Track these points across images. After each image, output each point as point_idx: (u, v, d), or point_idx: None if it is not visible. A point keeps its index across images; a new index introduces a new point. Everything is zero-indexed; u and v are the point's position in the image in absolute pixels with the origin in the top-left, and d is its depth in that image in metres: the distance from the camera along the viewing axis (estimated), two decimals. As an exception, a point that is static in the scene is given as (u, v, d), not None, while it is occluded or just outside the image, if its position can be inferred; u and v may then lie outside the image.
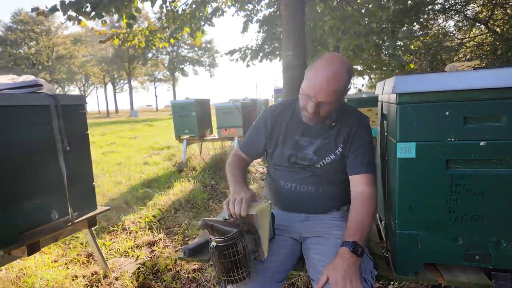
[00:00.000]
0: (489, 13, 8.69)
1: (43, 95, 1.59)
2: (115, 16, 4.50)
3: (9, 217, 1.42)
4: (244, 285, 1.03)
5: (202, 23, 6.08)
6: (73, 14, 3.94)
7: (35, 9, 3.92)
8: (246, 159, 1.42)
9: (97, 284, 1.91)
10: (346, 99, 4.55)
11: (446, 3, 8.97)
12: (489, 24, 8.75)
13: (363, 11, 6.38)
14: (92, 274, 2.00)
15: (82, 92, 46.18)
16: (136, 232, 2.69)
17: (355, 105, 3.44)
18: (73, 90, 46.54)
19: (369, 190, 1.16)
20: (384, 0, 6.39)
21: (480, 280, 1.03)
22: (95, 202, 1.89)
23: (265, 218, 1.08)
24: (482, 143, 0.96)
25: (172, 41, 6.17)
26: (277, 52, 9.00)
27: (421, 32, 9.59)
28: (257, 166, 4.93)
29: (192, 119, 5.24)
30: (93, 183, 1.88)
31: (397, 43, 8.97)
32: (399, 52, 9.17)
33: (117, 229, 2.78)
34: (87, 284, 1.92)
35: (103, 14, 4.09)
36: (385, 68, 9.47)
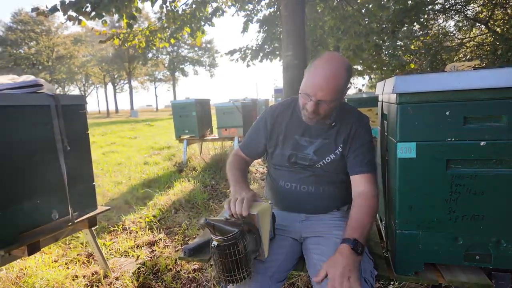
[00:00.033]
0: (489, 13, 8.69)
1: (43, 95, 1.59)
2: (115, 16, 4.50)
3: (10, 217, 1.42)
4: (245, 285, 1.03)
5: (202, 23, 6.08)
6: (73, 14, 3.95)
7: (35, 9, 3.92)
8: (246, 159, 1.42)
9: (97, 284, 1.91)
10: (346, 99, 4.56)
11: (446, 3, 8.97)
12: (489, 24, 8.75)
13: (363, 11, 6.38)
14: (93, 274, 2.00)
15: (82, 92, 46.21)
16: (136, 232, 2.69)
17: (355, 105, 3.44)
18: (73, 90, 46.64)
19: (370, 189, 1.16)
20: (384, 0, 6.39)
21: (481, 280, 1.03)
22: (95, 202, 1.89)
23: (266, 218, 1.09)
24: (482, 143, 0.96)
25: (172, 41, 6.17)
26: (277, 52, 9.01)
27: (421, 32, 9.59)
28: (257, 166, 4.93)
29: (192, 119, 5.24)
30: (93, 183, 1.89)
31: (397, 43, 8.97)
32: (399, 52, 9.17)
33: (117, 229, 2.78)
34: (87, 284, 1.92)
35: (103, 14, 4.09)
36: (385, 68, 9.46)
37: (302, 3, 4.37)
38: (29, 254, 1.49)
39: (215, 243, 0.96)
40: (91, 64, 40.50)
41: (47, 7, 3.96)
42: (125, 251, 2.35)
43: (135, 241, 2.51)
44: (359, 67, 11.09)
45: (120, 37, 5.87)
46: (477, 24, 9.58)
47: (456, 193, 1.00)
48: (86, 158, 1.84)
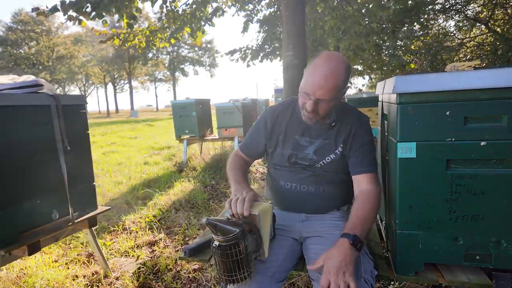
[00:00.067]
0: (490, 13, 8.68)
1: (43, 95, 1.59)
2: (116, 16, 4.50)
3: (10, 217, 1.42)
4: (245, 285, 1.03)
5: (203, 23, 6.08)
6: (74, 14, 3.95)
7: (35, 9, 3.93)
8: (246, 159, 1.42)
9: (97, 284, 1.92)
10: (346, 99, 4.56)
11: (446, 3, 8.96)
12: (489, 24, 8.74)
13: (363, 11, 6.37)
14: (93, 274, 2.00)
15: (83, 92, 46.24)
16: (137, 232, 2.69)
17: (356, 105, 3.44)
18: (74, 90, 46.66)
19: (372, 188, 1.16)
20: (384, 0, 6.38)
21: (481, 280, 1.03)
22: (95, 202, 1.89)
23: (267, 218, 1.09)
24: (482, 143, 0.96)
25: (172, 41, 6.18)
26: (278, 52, 9.01)
27: (421, 32, 9.59)
28: (258, 166, 4.93)
29: (192, 119, 5.24)
30: (94, 183, 1.89)
31: (398, 43, 8.97)
32: (400, 52, 9.17)
33: (117, 229, 2.78)
34: (87, 284, 1.92)
35: (104, 14, 4.09)
36: (385, 68, 9.47)
37: (302, 3, 4.38)
38: (30, 254, 1.50)
39: (216, 243, 0.96)
40: (91, 64, 40.51)
41: (47, 7, 3.96)
42: (125, 251, 2.35)
43: (135, 241, 2.51)
44: (359, 67, 11.10)
45: (120, 37, 5.87)
46: (478, 24, 9.58)
47: (456, 193, 1.00)
48: (86, 158, 1.84)
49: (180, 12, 5.83)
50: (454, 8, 9.15)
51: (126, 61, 39.74)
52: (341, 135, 1.23)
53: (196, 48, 43.92)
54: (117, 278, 1.97)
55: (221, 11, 6.18)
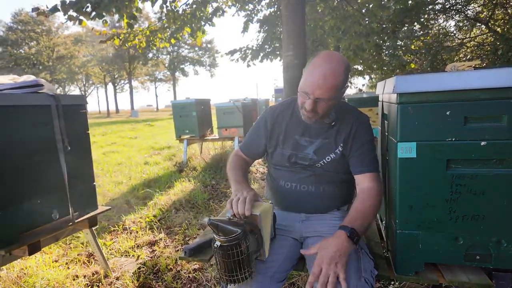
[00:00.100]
0: (490, 13, 8.68)
1: (44, 95, 1.59)
2: (116, 16, 4.50)
3: (10, 217, 1.42)
4: (245, 285, 1.03)
5: (203, 23, 6.08)
6: (74, 14, 3.95)
7: (35, 9, 3.93)
8: (246, 159, 1.43)
9: (97, 283, 1.92)
10: (346, 99, 4.56)
11: (446, 3, 8.96)
12: (489, 24, 8.74)
13: (363, 11, 6.37)
14: (93, 274, 2.00)
15: (83, 92, 46.26)
16: (137, 232, 2.69)
17: (356, 105, 3.43)
18: (74, 90, 46.67)
19: (374, 186, 1.17)
20: (384, 0, 6.38)
21: (481, 280, 1.03)
22: (95, 202, 1.89)
23: (268, 218, 1.09)
24: (482, 143, 0.96)
25: (172, 41, 6.18)
26: (278, 52, 9.01)
27: (421, 32, 9.59)
28: (258, 166, 4.93)
29: (192, 119, 5.24)
30: (94, 183, 1.89)
31: (398, 43, 8.97)
32: (400, 52, 9.17)
33: (117, 229, 2.78)
34: (87, 283, 1.92)
35: (104, 14, 4.09)
36: (385, 68, 9.47)
37: (302, 3, 4.37)
38: (30, 254, 1.50)
39: (218, 243, 0.96)
40: (91, 64, 40.53)
41: (47, 7, 3.96)
42: (125, 251, 2.35)
43: (135, 241, 2.51)
44: (360, 67, 11.10)
45: (120, 37, 5.87)
46: (478, 24, 9.58)
47: (456, 193, 1.00)
48: (86, 158, 1.84)
49: (180, 12, 5.83)
50: (454, 8, 9.15)
51: (126, 61, 39.75)
52: (341, 134, 1.23)
53: (196, 48, 43.94)
54: (117, 278, 1.97)
55: (221, 11, 6.18)
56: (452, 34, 10.55)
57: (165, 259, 2.16)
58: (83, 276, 1.98)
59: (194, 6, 5.84)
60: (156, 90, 51.97)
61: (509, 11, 8.57)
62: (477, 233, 1.01)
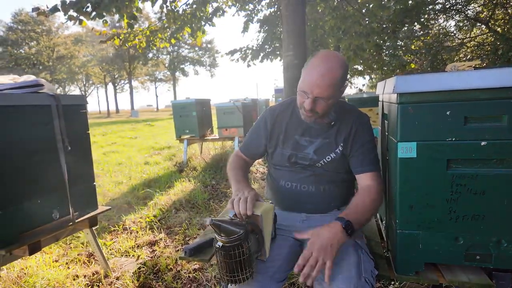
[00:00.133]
0: (490, 13, 8.68)
1: (44, 95, 1.59)
2: (116, 16, 4.50)
3: (10, 217, 1.42)
4: (246, 285, 1.03)
5: (203, 23, 6.08)
6: (74, 14, 3.95)
7: (35, 9, 3.93)
8: (246, 160, 1.43)
9: (98, 283, 1.92)
10: (347, 99, 4.56)
11: (446, 3, 8.96)
12: (490, 24, 8.74)
13: (363, 11, 6.37)
14: (93, 274, 2.00)
15: (83, 92, 46.27)
16: (137, 232, 2.69)
17: (356, 105, 3.42)
18: (74, 90, 46.68)
19: (375, 184, 1.17)
20: (384, 0, 6.38)
21: (481, 280, 1.03)
22: (96, 202, 1.89)
23: (269, 218, 1.09)
24: (483, 143, 0.96)
25: (173, 41, 6.17)
26: (278, 52, 9.01)
27: (421, 32, 9.59)
28: (258, 166, 4.93)
29: (192, 119, 5.24)
30: (94, 183, 1.89)
31: (398, 43, 8.97)
32: (400, 52, 9.17)
33: (118, 229, 2.78)
34: (88, 283, 1.92)
35: (104, 14, 4.09)
36: (385, 68, 9.47)
37: (302, 3, 4.37)
38: (30, 254, 1.50)
39: (219, 243, 0.96)
40: (91, 64, 40.54)
41: (47, 7, 3.96)
42: (125, 251, 2.35)
43: (135, 241, 2.51)
44: (360, 67, 11.10)
45: (120, 37, 5.87)
46: (478, 24, 9.58)
47: (456, 193, 1.00)
48: (86, 158, 1.84)
49: (180, 12, 5.83)
50: (454, 8, 9.15)
51: (126, 61, 39.76)
52: (341, 134, 1.23)
53: (197, 48, 43.96)
54: (117, 278, 1.97)
55: (221, 11, 6.18)
56: (452, 34, 10.56)
57: (165, 259, 2.16)
58: (83, 276, 1.98)
59: (194, 6, 5.84)
60: (156, 90, 51.98)
61: (509, 11, 8.57)
62: (477, 233, 1.01)
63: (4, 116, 1.41)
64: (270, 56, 9.20)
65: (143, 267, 2.08)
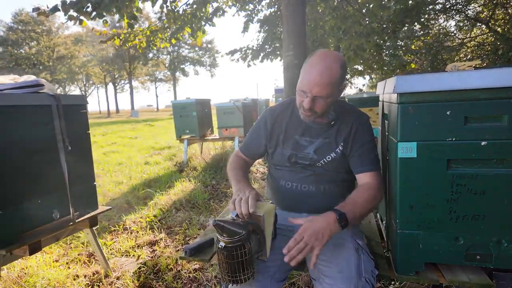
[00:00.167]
0: (490, 13, 8.68)
1: (44, 95, 1.59)
2: (116, 16, 4.50)
3: (11, 217, 1.43)
4: (247, 285, 1.03)
5: (203, 23, 6.08)
6: (74, 14, 3.95)
7: (36, 9, 3.93)
8: (247, 160, 1.43)
9: (98, 283, 1.92)
10: (347, 99, 4.55)
11: (447, 3, 8.96)
12: (490, 24, 8.74)
13: (364, 11, 6.37)
14: (93, 274, 2.01)
15: (83, 92, 46.27)
16: (137, 231, 2.69)
17: (356, 105, 3.42)
18: (74, 90, 46.68)
19: (374, 182, 1.17)
20: (385, 0, 6.38)
21: (481, 280, 1.03)
22: (96, 202, 1.90)
23: (270, 218, 1.09)
24: (483, 143, 0.96)
25: (173, 41, 6.17)
26: (278, 52, 9.01)
27: (422, 32, 9.59)
28: (258, 166, 4.93)
29: (192, 119, 5.24)
30: (94, 183, 1.89)
31: (398, 43, 8.97)
32: (400, 52, 9.17)
33: (118, 228, 2.78)
34: (88, 283, 1.92)
35: (104, 14, 4.09)
36: (386, 68, 9.47)
37: (303, 3, 4.37)
38: (31, 254, 1.50)
39: (222, 244, 0.96)
40: (91, 64, 40.54)
41: (48, 7, 3.96)
42: (126, 250, 2.35)
43: (136, 241, 2.51)
44: (360, 67, 11.10)
45: (121, 37, 5.87)
46: (478, 24, 9.58)
47: (457, 193, 1.00)
48: (87, 158, 1.84)
49: (180, 12, 5.83)
50: (454, 8, 9.14)
51: (126, 61, 39.77)
52: (341, 134, 1.23)
53: (197, 48, 43.96)
54: (117, 278, 1.97)
55: (221, 11, 6.18)
56: (452, 34, 10.55)
57: (166, 259, 2.16)
58: (83, 276, 1.98)
59: (195, 6, 5.84)
60: (157, 90, 51.99)
61: (509, 11, 8.56)
62: (477, 233, 1.01)
63: (5, 116, 1.41)
64: (270, 56, 9.20)
65: (144, 267, 2.09)
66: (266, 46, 9.17)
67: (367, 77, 13.65)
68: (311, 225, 0.98)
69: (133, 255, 2.28)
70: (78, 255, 2.28)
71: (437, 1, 8.62)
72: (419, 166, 1.01)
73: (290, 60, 4.38)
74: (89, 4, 3.95)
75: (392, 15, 6.39)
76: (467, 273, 1.07)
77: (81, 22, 4.09)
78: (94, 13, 4.03)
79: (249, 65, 9.10)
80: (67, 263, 2.18)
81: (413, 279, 1.10)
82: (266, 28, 9.10)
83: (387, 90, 1.15)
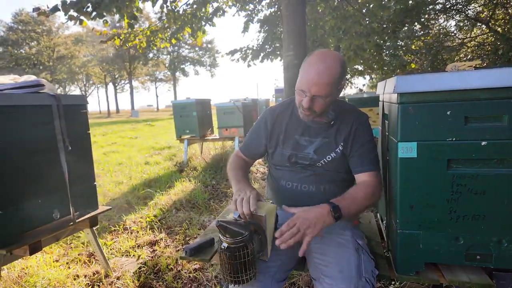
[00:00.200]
0: (490, 13, 8.68)
1: (45, 95, 1.59)
2: (116, 16, 4.50)
3: (11, 217, 1.43)
4: (247, 285, 1.03)
5: (203, 23, 6.08)
6: (75, 14, 3.95)
7: (36, 9, 3.93)
8: (246, 160, 1.43)
9: (98, 283, 1.92)
10: (347, 99, 4.54)
11: (447, 3, 8.96)
12: (490, 24, 8.74)
13: (364, 11, 6.37)
14: (94, 274, 2.01)
15: (83, 92, 46.28)
16: (137, 231, 2.69)
17: (356, 105, 3.41)
18: (74, 90, 46.69)
19: (373, 180, 1.18)
20: (385, 0, 6.38)
21: (482, 280, 1.03)
22: (96, 202, 1.90)
23: (272, 219, 1.09)
24: (483, 143, 0.96)
25: (173, 41, 6.17)
26: (278, 52, 9.01)
27: (422, 32, 9.59)
28: (258, 166, 4.93)
29: (193, 119, 5.24)
30: (95, 183, 1.89)
31: (398, 43, 8.97)
32: (400, 52, 9.17)
33: (118, 228, 2.78)
34: (88, 283, 1.92)
35: (104, 14, 4.09)
36: (386, 68, 9.47)
37: (303, 3, 4.37)
38: (31, 254, 1.50)
39: (225, 244, 0.96)
40: (92, 64, 40.56)
41: (48, 7, 3.96)
42: (126, 250, 2.35)
43: (136, 240, 2.51)
44: (360, 67, 11.10)
45: (121, 37, 5.87)
46: (478, 24, 9.58)
47: (457, 193, 1.00)
48: (87, 158, 1.84)
49: (180, 12, 5.83)
50: (454, 8, 9.14)
51: (126, 61, 39.78)
52: (341, 134, 1.23)
53: (197, 48, 43.97)
54: (118, 278, 1.97)
55: (221, 11, 6.18)
56: (452, 34, 10.55)
57: (166, 259, 2.16)
58: (83, 276, 1.98)
59: (195, 6, 5.84)
60: (157, 90, 52.02)
61: (509, 11, 8.56)
62: (477, 233, 1.01)
63: (5, 116, 1.41)
64: (270, 56, 9.20)
65: (144, 267, 2.09)
66: (266, 46, 9.17)
67: (367, 77, 13.66)
68: (304, 213, 1.00)
69: (133, 255, 2.28)
70: (78, 255, 2.28)
71: (437, 1, 8.62)
72: (419, 166, 1.01)
73: (290, 60, 4.38)
74: (89, 4, 3.95)
75: (392, 15, 6.40)
76: (468, 273, 1.07)
77: (81, 22, 4.09)
78: (94, 13, 4.03)
79: (249, 65, 9.10)
80: (67, 263, 2.18)
81: (413, 279, 1.10)
82: (266, 28, 9.10)
83: (387, 90, 1.15)
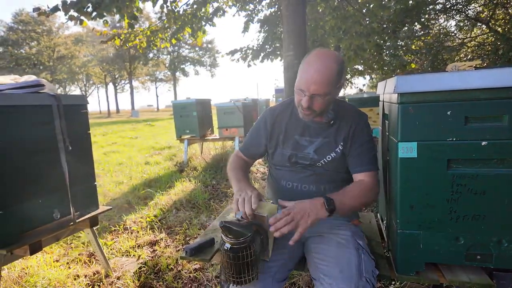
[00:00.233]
0: (491, 13, 8.67)
1: (45, 95, 1.59)
2: (117, 16, 4.50)
3: (11, 217, 1.43)
4: (249, 285, 1.03)
5: (203, 23, 6.08)
6: (75, 14, 3.95)
7: (36, 9, 3.93)
8: (246, 160, 1.43)
9: (98, 283, 1.92)
10: (347, 99, 4.54)
11: (447, 3, 8.95)
12: (490, 24, 8.73)
13: (364, 11, 6.36)
14: (94, 274, 2.01)
15: (83, 92, 46.29)
16: (138, 231, 2.69)
17: (356, 105, 3.43)
18: (74, 90, 46.68)
19: (370, 179, 1.18)
20: (385, 0, 6.38)
21: (482, 280, 1.03)
22: (96, 202, 1.90)
23: None
24: (483, 143, 0.96)
25: (173, 41, 6.17)
26: (278, 52, 9.00)
27: (422, 32, 9.58)
28: (258, 166, 4.93)
29: (193, 119, 5.24)
30: (95, 183, 1.89)
31: (398, 43, 8.96)
32: (400, 52, 9.16)
33: (118, 228, 2.78)
34: (88, 283, 1.92)
35: (105, 14, 4.09)
36: (386, 68, 9.47)
37: (303, 3, 4.37)
38: (31, 254, 1.50)
39: (228, 245, 0.96)
40: (92, 64, 40.56)
41: (48, 7, 3.96)
42: (126, 250, 2.35)
43: (136, 240, 2.51)
44: (360, 67, 11.10)
45: (121, 37, 5.87)
46: (478, 24, 9.57)
47: (457, 193, 1.00)
48: (87, 158, 1.84)
49: (180, 12, 5.83)
50: (455, 8, 9.14)
51: (126, 61, 39.78)
52: (341, 133, 1.23)
53: (197, 48, 43.98)
54: (118, 278, 1.97)
55: (221, 11, 6.18)
56: (452, 34, 10.55)
57: (166, 259, 2.16)
58: (84, 276, 1.98)
59: (195, 6, 5.84)
60: (157, 90, 52.02)
61: (510, 11, 8.56)
62: (477, 233, 1.01)
63: (5, 116, 1.41)
64: (270, 56, 9.19)
65: (144, 267, 2.09)
66: (266, 46, 9.17)
67: (368, 77, 13.66)
68: (299, 205, 1.02)
69: (134, 255, 2.28)
70: (79, 255, 2.28)
71: (437, 1, 8.61)
72: (419, 166, 1.01)
73: (290, 60, 4.38)
74: (89, 4, 3.95)
75: (392, 15, 6.39)
76: (468, 273, 1.07)
77: (81, 22, 4.09)
78: (94, 13, 4.03)
79: (249, 65, 9.09)
80: (67, 263, 2.18)
81: (414, 279, 1.10)
82: (266, 28, 9.10)
83: (388, 90, 1.15)
